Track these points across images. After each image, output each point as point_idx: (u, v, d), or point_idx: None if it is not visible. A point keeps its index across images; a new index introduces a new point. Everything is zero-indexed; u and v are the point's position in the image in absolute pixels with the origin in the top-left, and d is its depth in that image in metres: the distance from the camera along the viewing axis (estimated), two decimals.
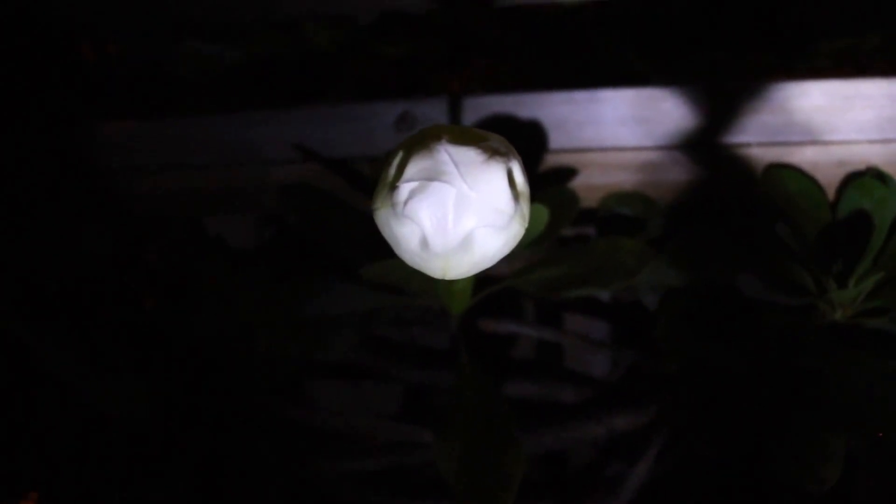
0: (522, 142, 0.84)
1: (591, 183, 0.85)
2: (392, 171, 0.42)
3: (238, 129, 0.89)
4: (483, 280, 0.68)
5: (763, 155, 0.83)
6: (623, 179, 0.86)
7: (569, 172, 0.85)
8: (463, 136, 0.42)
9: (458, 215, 0.40)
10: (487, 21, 1.00)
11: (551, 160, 0.85)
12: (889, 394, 0.64)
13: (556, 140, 0.85)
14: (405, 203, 0.41)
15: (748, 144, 0.84)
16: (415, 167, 0.41)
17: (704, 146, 0.84)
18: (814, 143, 0.83)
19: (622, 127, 0.85)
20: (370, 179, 0.85)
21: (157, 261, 0.92)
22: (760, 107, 0.83)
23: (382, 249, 0.44)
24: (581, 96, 0.85)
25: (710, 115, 0.83)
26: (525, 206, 0.42)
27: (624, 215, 0.84)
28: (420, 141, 0.42)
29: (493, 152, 0.41)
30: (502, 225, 0.41)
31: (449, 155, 0.41)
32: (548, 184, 0.83)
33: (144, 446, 0.77)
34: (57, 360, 0.76)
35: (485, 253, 0.42)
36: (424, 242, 0.41)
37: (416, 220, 0.41)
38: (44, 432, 0.76)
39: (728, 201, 0.86)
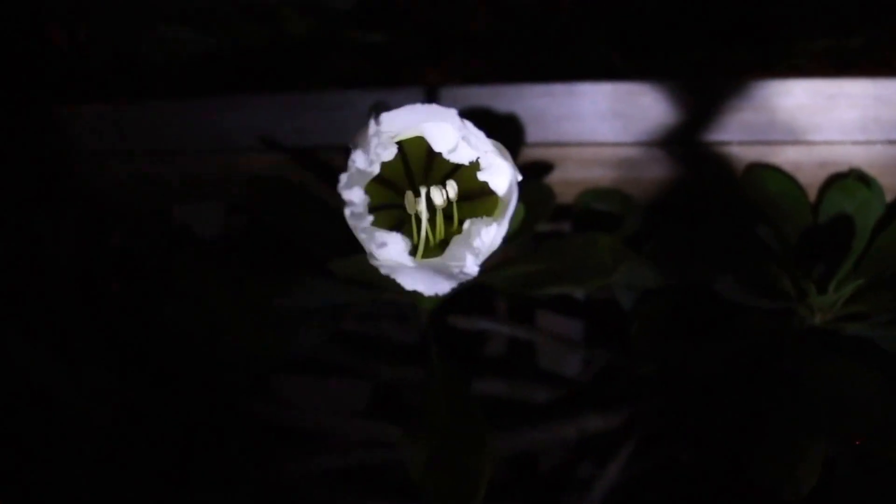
0: (499, 135, 0.83)
1: (568, 178, 0.85)
2: None
3: (209, 115, 0.88)
4: None
5: (744, 154, 0.83)
6: (601, 175, 0.85)
7: (545, 167, 0.84)
8: None
9: None
10: (465, 12, 1.00)
11: (528, 154, 0.85)
12: (867, 400, 0.64)
13: (533, 133, 0.85)
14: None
15: (729, 143, 0.83)
16: None
17: (684, 143, 0.84)
18: (796, 142, 0.83)
19: (601, 122, 0.84)
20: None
21: (123, 249, 0.90)
22: (742, 104, 0.82)
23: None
24: (559, 89, 0.84)
25: (691, 112, 0.83)
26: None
27: (601, 212, 0.83)
28: None
29: None
30: None
31: None
32: (524, 178, 0.83)
33: (110, 442, 0.76)
34: (20, 353, 0.75)
35: None
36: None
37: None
38: (7, 428, 0.75)
39: (707, 200, 0.86)
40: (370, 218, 0.45)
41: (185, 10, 0.98)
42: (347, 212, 0.44)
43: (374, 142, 0.46)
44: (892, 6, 0.94)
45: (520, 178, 0.48)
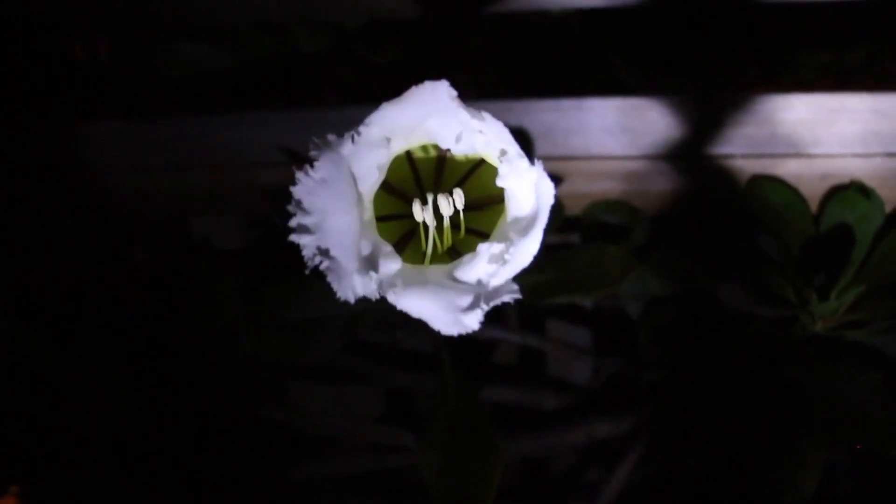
0: None
1: (577, 191, 0.85)
2: None
3: (225, 130, 0.89)
4: None
5: (747, 167, 0.83)
6: (608, 188, 0.86)
7: (554, 180, 0.85)
8: None
9: None
10: (475, 28, 1.00)
11: None
12: (868, 406, 0.64)
13: (542, 147, 0.85)
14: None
15: (733, 156, 0.84)
16: None
17: (689, 157, 0.84)
18: (798, 155, 0.83)
19: (608, 136, 0.85)
20: None
21: (143, 261, 0.91)
22: (745, 119, 0.83)
23: None
24: (568, 104, 0.85)
25: (696, 126, 0.83)
26: None
27: (608, 223, 0.84)
28: None
29: None
30: None
31: None
32: None
33: (126, 444, 0.77)
34: (41, 357, 0.76)
35: None
36: None
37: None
38: (25, 428, 0.76)
39: (712, 212, 0.86)
40: None
41: (202, 27, 0.99)
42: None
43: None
44: (891, 21, 0.95)
45: (552, 199, 0.47)
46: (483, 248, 0.46)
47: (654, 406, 0.78)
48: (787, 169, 0.83)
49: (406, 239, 0.52)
